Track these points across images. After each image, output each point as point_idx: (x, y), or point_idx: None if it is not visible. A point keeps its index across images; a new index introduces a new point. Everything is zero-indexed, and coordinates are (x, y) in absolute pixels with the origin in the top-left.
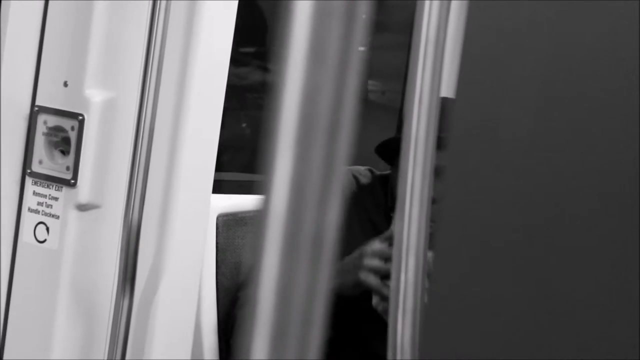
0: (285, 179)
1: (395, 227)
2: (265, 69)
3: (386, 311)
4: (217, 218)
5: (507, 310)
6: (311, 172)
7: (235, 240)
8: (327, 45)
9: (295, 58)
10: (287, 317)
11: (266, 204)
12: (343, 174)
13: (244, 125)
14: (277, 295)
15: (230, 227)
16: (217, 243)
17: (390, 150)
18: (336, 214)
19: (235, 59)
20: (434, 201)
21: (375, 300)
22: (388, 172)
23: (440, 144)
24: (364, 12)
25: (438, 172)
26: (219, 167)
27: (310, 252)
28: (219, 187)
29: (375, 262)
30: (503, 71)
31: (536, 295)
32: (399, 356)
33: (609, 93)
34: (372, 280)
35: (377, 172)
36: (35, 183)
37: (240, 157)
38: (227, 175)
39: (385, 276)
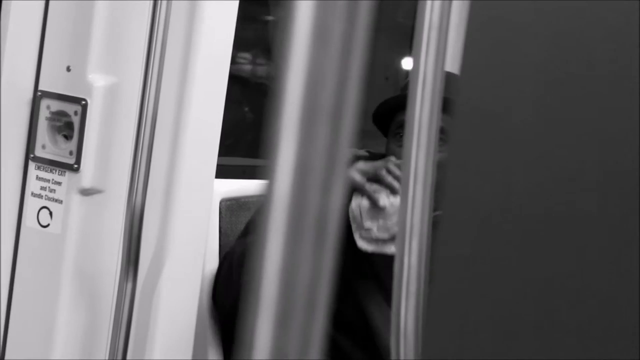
0: (289, 163)
1: (399, 210)
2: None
3: (365, 209)
4: (220, 203)
5: (510, 298)
6: (315, 156)
7: (238, 224)
8: (331, 29)
9: (299, 41)
10: (290, 301)
11: (270, 188)
12: (347, 158)
13: (246, 109)
14: (280, 280)
15: (233, 212)
16: (220, 227)
17: (383, 117)
18: (340, 199)
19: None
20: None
21: (354, 202)
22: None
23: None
24: None
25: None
26: (222, 152)
27: (313, 237)
28: (222, 171)
29: (362, 165)
30: (507, 60)
31: (539, 286)
32: (402, 339)
33: (617, 86)
34: (357, 177)
35: (377, 153)
36: (39, 168)
37: (243, 142)
38: (230, 160)
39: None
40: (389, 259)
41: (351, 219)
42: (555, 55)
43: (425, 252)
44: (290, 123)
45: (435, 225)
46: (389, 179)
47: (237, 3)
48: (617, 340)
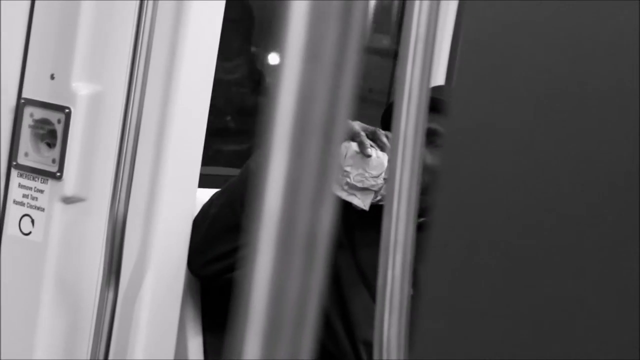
0: (280, 178)
1: (383, 222)
2: (253, 64)
3: (352, 153)
4: None
5: (499, 310)
6: (306, 171)
7: None
8: (323, 45)
9: (291, 57)
10: (279, 317)
11: (260, 203)
12: (337, 174)
13: (228, 119)
14: (270, 295)
15: None
16: None
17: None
18: (330, 214)
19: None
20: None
21: (343, 144)
22: None
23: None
24: (361, 11)
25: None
26: (205, 162)
27: (303, 252)
28: (205, 181)
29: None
30: (500, 67)
31: (530, 296)
32: (385, 353)
33: (610, 87)
34: (356, 126)
35: None
36: (21, 175)
37: (226, 152)
38: (213, 170)
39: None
40: (367, 234)
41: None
42: (549, 61)
43: (408, 265)
44: (281, 138)
45: (422, 229)
46: (384, 139)
47: (222, 13)
48: (612, 347)
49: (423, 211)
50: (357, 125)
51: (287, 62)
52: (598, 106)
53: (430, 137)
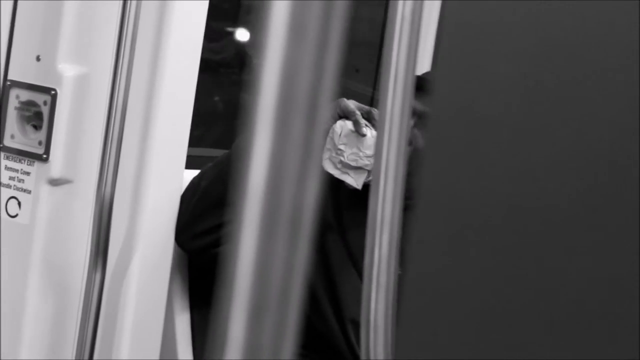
0: (264, 156)
1: (369, 203)
2: (239, 44)
3: (346, 131)
4: None
5: (484, 289)
6: (290, 148)
7: None
8: (307, 22)
9: (275, 34)
10: (264, 294)
11: (245, 180)
12: (322, 151)
13: (216, 99)
14: (254, 272)
15: None
16: None
17: None
18: (315, 191)
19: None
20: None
21: (338, 123)
22: None
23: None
24: None
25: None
26: (192, 143)
27: (288, 230)
28: (192, 162)
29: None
30: (484, 51)
31: (514, 275)
32: (372, 332)
33: (596, 76)
34: (351, 105)
35: None
36: (7, 157)
37: (212, 133)
38: (200, 151)
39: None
40: (356, 216)
41: (328, 139)
42: (533, 46)
43: (395, 245)
44: (265, 116)
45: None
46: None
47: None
48: (596, 339)
49: (410, 192)
50: (353, 104)
51: (270, 39)
52: (581, 86)
53: (424, 120)
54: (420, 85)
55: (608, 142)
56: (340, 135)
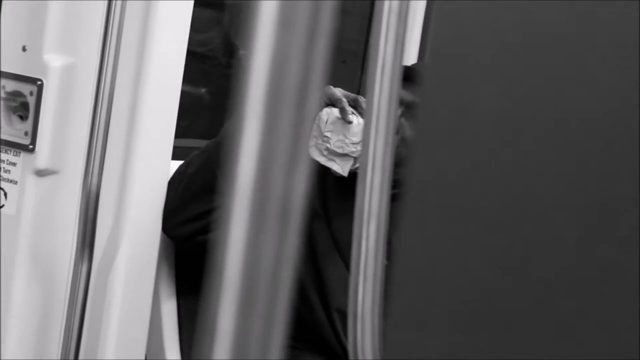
0: (253, 147)
1: (357, 194)
2: (226, 36)
3: (333, 118)
4: None
5: (474, 285)
6: (279, 140)
7: None
8: (296, 12)
9: (264, 25)
10: (254, 285)
11: (234, 170)
12: (311, 142)
13: (203, 91)
14: (244, 263)
15: None
16: None
17: None
18: (304, 182)
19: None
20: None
21: (325, 110)
22: None
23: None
24: None
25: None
26: (178, 134)
27: (277, 220)
28: (179, 153)
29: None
30: (475, 44)
31: (504, 265)
32: (359, 324)
33: (588, 62)
34: (337, 93)
35: None
36: None
37: (199, 123)
38: (187, 142)
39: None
40: (344, 205)
41: (314, 126)
42: (525, 40)
43: (382, 235)
44: (254, 107)
45: (397, 200)
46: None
47: None
48: (588, 334)
49: (398, 183)
50: (339, 92)
51: (259, 28)
52: (574, 75)
53: (413, 111)
54: (408, 75)
55: (598, 133)
56: (326, 122)
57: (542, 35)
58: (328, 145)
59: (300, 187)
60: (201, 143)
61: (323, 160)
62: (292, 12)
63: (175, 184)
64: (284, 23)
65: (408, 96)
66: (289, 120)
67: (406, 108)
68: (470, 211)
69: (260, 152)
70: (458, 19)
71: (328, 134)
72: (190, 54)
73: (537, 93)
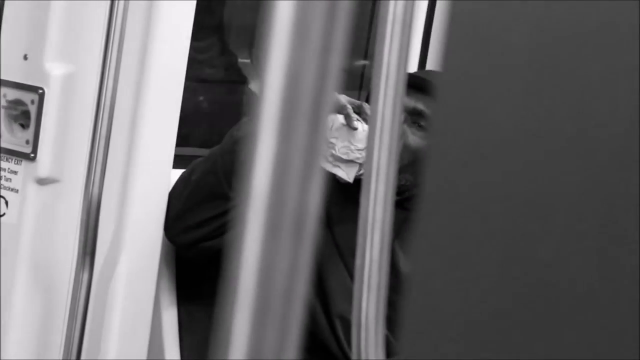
0: (268, 158)
1: (360, 203)
2: (225, 43)
3: (338, 125)
4: None
5: (491, 294)
6: (294, 151)
7: None
8: (310, 24)
9: (278, 38)
10: (268, 296)
11: (248, 182)
12: (325, 153)
13: (201, 99)
14: (258, 274)
15: None
16: None
17: None
18: (318, 193)
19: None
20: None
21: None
22: None
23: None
24: None
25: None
26: (180, 142)
27: (292, 231)
28: (180, 162)
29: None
30: (490, 50)
31: (521, 280)
32: (363, 333)
33: (606, 73)
34: (342, 99)
35: None
36: None
37: (198, 132)
38: (188, 151)
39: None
40: (344, 211)
41: None
42: (541, 45)
43: (386, 245)
44: (269, 119)
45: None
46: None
47: None
48: (607, 342)
49: (401, 189)
50: (344, 99)
51: (274, 42)
52: (590, 86)
53: (415, 117)
54: (412, 82)
55: (619, 144)
56: (331, 128)
57: (562, 42)
58: (333, 152)
59: (315, 198)
60: (199, 152)
61: (328, 167)
62: (306, 24)
63: (179, 190)
64: (299, 35)
65: (411, 103)
66: (304, 132)
67: (409, 115)
68: (485, 220)
69: (275, 164)
70: (473, 24)
71: (333, 140)
72: (189, 61)
73: (556, 100)
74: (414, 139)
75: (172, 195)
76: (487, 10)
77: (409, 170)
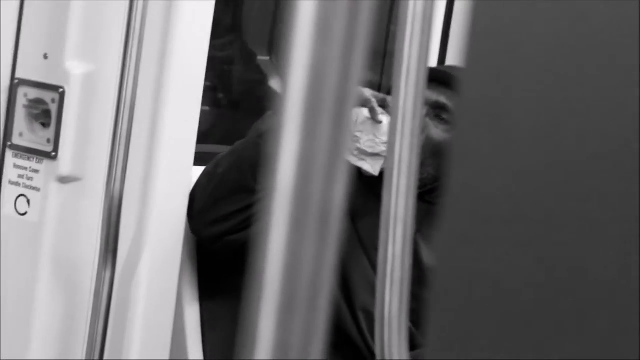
0: (293, 155)
1: (383, 199)
2: (243, 42)
3: (362, 119)
4: None
5: (514, 294)
6: (318, 147)
7: None
8: (333, 22)
9: (301, 35)
10: (294, 292)
11: (273, 179)
12: (348, 150)
13: (220, 96)
14: (284, 270)
15: None
16: None
17: None
18: (343, 189)
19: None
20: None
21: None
22: None
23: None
24: None
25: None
26: (200, 140)
27: (317, 227)
28: (200, 159)
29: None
30: (514, 50)
31: (545, 282)
32: (386, 327)
33: (626, 80)
34: (367, 93)
35: None
36: (16, 155)
37: (218, 130)
38: (208, 148)
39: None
40: (366, 205)
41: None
42: (564, 46)
43: (409, 240)
44: (293, 115)
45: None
46: None
47: None
48: (623, 341)
49: (423, 182)
50: (368, 92)
51: (298, 39)
52: (611, 94)
53: (437, 111)
54: (433, 76)
55: None
56: (356, 122)
57: (587, 31)
58: (358, 145)
59: (340, 193)
60: (219, 149)
61: (354, 160)
62: (329, 21)
63: (203, 184)
64: (322, 32)
65: (433, 96)
66: (328, 128)
67: (431, 108)
68: (510, 215)
69: (300, 160)
70: (498, 19)
71: (358, 134)
72: (208, 59)
73: (583, 98)
74: (437, 132)
75: (196, 189)
76: (509, 3)
77: (431, 164)
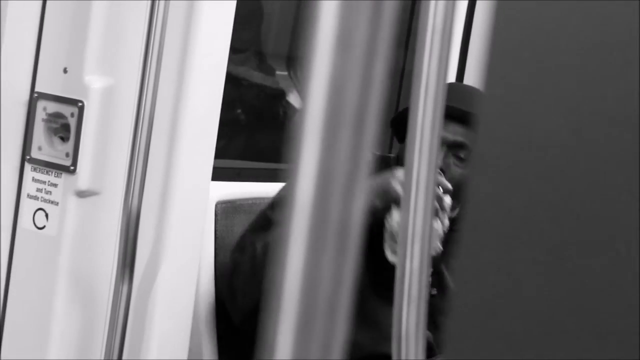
0: (312, 168)
1: (401, 215)
2: (262, 56)
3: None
4: (216, 205)
5: (533, 310)
6: (338, 161)
7: (233, 227)
8: (354, 34)
9: (322, 47)
10: (312, 307)
11: (292, 194)
12: (369, 164)
13: (239, 111)
14: (302, 285)
15: (228, 215)
16: (215, 230)
17: (401, 124)
18: (362, 205)
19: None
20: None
21: (396, 217)
22: (388, 154)
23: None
24: (392, 0)
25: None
26: (218, 154)
27: (336, 243)
28: (217, 174)
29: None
30: (533, 68)
31: (561, 299)
32: (403, 344)
33: None
34: (399, 186)
35: (383, 155)
36: (35, 169)
37: (236, 145)
38: (226, 163)
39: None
40: None
41: (386, 231)
42: (587, 65)
43: (426, 257)
44: (313, 129)
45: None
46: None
47: (234, 5)
48: None
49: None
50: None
51: (318, 52)
52: (634, 109)
53: (456, 150)
54: (450, 113)
55: None
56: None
57: (607, 54)
58: None
59: (359, 208)
60: (237, 164)
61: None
62: (350, 33)
63: (237, 261)
64: (342, 44)
65: (449, 136)
66: (348, 142)
67: (448, 148)
68: (527, 244)
69: (320, 174)
70: (516, 49)
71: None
72: (227, 74)
73: (602, 127)
74: (455, 169)
75: (239, 276)
76: (530, 21)
77: (454, 202)
